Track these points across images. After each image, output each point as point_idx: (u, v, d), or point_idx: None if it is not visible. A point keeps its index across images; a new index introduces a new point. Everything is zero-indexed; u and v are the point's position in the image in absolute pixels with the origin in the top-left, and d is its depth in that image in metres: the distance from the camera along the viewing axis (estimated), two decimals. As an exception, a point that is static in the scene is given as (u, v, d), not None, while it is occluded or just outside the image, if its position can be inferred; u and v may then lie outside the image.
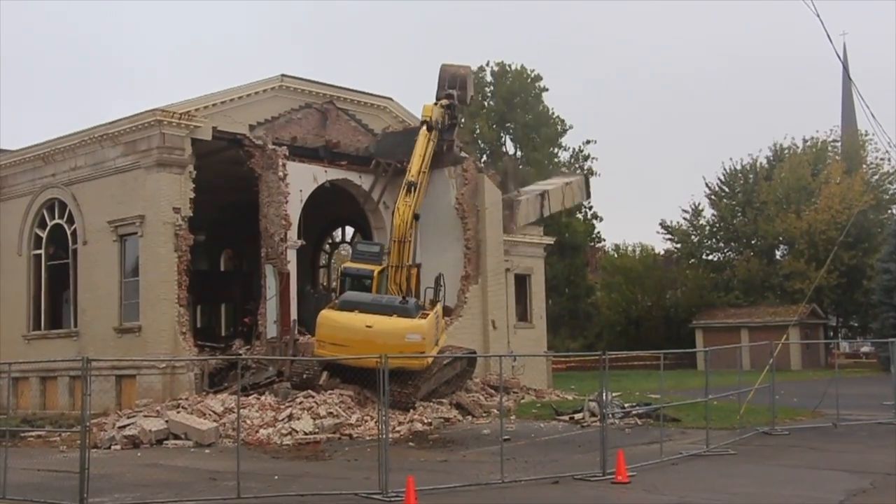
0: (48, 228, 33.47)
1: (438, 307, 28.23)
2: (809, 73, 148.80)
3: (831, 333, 68.31)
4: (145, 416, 24.00)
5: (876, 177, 67.97)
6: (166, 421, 23.07)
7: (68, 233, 32.48)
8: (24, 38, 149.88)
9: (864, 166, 68.43)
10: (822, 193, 64.36)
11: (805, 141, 71.53)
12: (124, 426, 23.16)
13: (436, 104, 31.51)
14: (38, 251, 33.89)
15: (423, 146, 29.70)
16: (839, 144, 72.66)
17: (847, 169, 65.84)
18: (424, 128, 30.18)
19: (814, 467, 17.57)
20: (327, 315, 25.70)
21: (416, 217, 28.65)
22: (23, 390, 32.23)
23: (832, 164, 67.84)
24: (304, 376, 25.87)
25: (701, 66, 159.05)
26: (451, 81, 32.38)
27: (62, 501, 14.13)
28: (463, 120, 62.64)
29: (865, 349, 70.72)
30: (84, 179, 31.61)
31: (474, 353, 29.66)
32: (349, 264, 29.68)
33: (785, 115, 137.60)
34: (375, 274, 28.30)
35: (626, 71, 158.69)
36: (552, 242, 42.43)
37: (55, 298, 33.97)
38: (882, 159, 67.43)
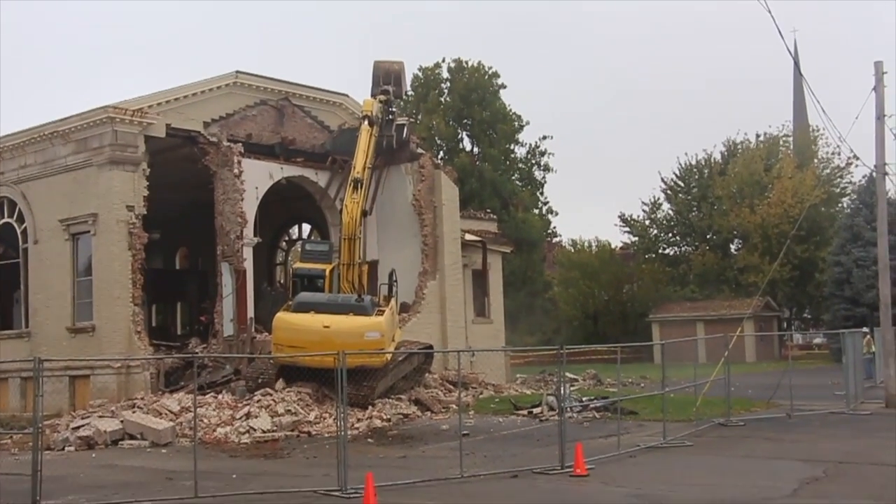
0: (-2, 227, 32.90)
1: (393, 303, 28.16)
2: (762, 69, 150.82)
3: (785, 325, 69.29)
4: (100, 417, 23.69)
5: (827, 171, 69.00)
6: (121, 421, 22.78)
7: (18, 231, 31.96)
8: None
9: (816, 161, 69.42)
10: (774, 188, 65.21)
11: (758, 136, 72.53)
12: (78, 427, 22.81)
13: (373, 98, 31.42)
14: (-13, 250, 33.31)
15: (366, 142, 29.58)
16: (791, 139, 73.67)
17: (799, 164, 66.75)
18: (366, 123, 30.03)
19: (768, 457, 17.79)
20: (283, 318, 25.33)
21: (364, 214, 28.50)
22: (1, 393, 31.64)
23: (784, 158, 68.75)
24: (259, 381, 25.60)
25: (657, 63, 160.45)
26: (386, 77, 32.31)
27: (14, 504, 13.89)
28: (419, 117, 62.76)
29: (818, 340, 71.89)
30: (34, 177, 31.12)
31: (431, 347, 29.70)
32: (299, 265, 29.42)
33: (739, 111, 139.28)
34: (327, 273, 28.13)
35: (582, 67, 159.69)
36: (508, 251, 42.68)
37: (5, 298, 33.42)
38: (832, 154, 68.54)
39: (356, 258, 27.55)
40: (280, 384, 25.33)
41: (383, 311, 26.12)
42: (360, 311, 25.16)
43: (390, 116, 31.95)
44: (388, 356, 25.14)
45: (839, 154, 66.57)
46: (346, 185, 32.44)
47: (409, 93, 65.57)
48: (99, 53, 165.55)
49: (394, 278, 29.45)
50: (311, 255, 29.42)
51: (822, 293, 61.68)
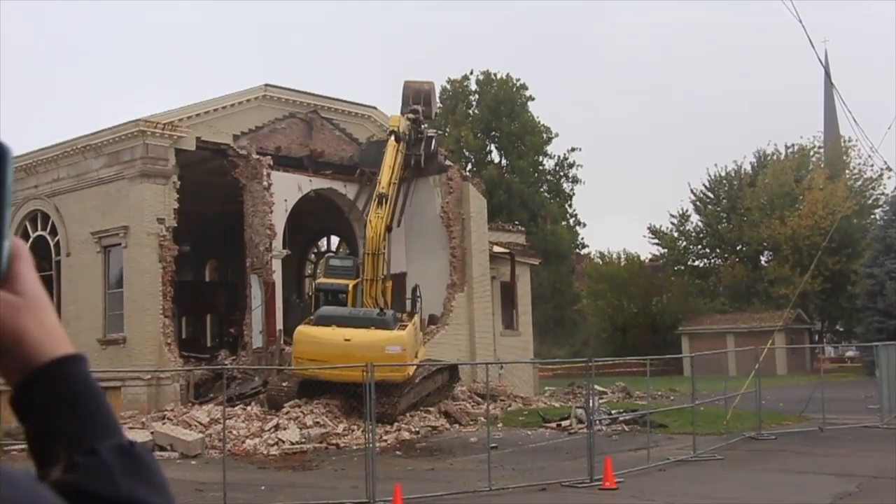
0: (31, 240, 33.21)
1: (416, 319, 27.98)
2: (793, 79, 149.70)
3: (816, 338, 68.52)
4: (130, 428, 23.80)
5: (859, 182, 68.35)
6: (152, 432, 22.90)
7: (51, 244, 32.30)
8: (3, 50, 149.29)
9: (847, 172, 68.80)
10: (805, 199, 64.67)
11: (788, 147, 72.01)
12: (109, 438, 22.95)
13: (402, 115, 31.51)
14: (21, 263, 33.62)
15: (392, 157, 29.63)
16: (822, 150, 73.06)
17: (830, 175, 66.19)
18: (392, 138, 30.13)
19: (800, 471, 17.59)
20: (304, 331, 25.20)
21: (388, 229, 28.51)
22: (6, 404, 31.90)
23: (815, 170, 68.19)
24: (281, 396, 25.33)
25: (686, 74, 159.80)
26: (416, 97, 32.43)
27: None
28: (448, 130, 62.87)
29: (850, 353, 70.95)
30: (67, 191, 31.46)
31: (455, 368, 29.25)
32: (322, 280, 29.46)
33: (769, 122, 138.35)
34: (350, 288, 28.06)
35: (611, 79, 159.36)
36: (537, 263, 42.58)
37: (39, 311, 33.67)
38: (864, 165, 67.88)
39: (380, 273, 27.47)
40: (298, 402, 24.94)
41: (406, 326, 26.04)
42: (382, 325, 24.94)
43: (420, 135, 32.03)
44: (410, 371, 24.96)
45: (871, 165, 65.91)
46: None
47: (439, 107, 65.85)
48: (129, 68, 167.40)
49: (417, 293, 29.34)
50: (335, 270, 29.48)
51: (855, 305, 61.02)
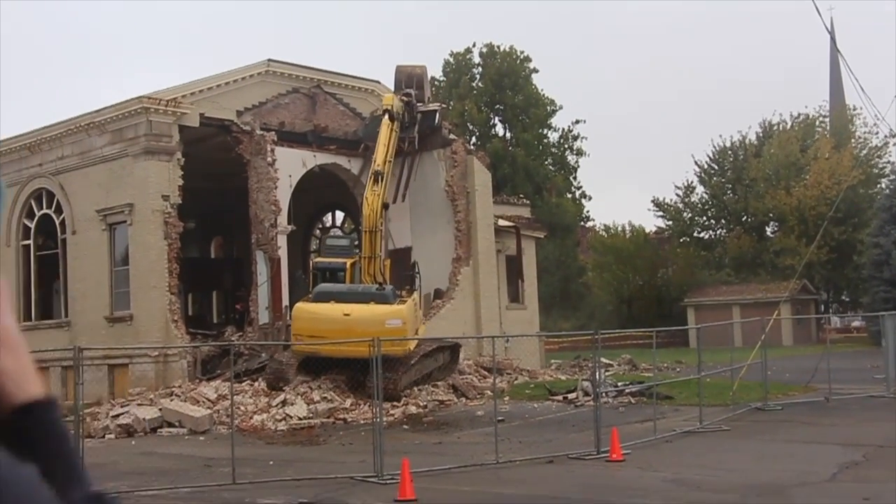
0: (36, 218, 33.31)
1: (416, 295, 27.88)
2: (798, 49, 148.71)
3: (822, 308, 68.51)
4: (139, 405, 23.98)
5: (864, 151, 68.05)
6: (160, 409, 23.05)
7: (56, 222, 32.34)
8: (6, 28, 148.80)
9: (853, 141, 68.51)
10: (811, 169, 64.45)
11: (794, 117, 71.68)
12: (118, 415, 23.13)
13: (396, 95, 31.45)
14: (26, 241, 33.73)
15: (386, 135, 29.61)
16: (828, 120, 72.70)
17: (836, 144, 65.91)
18: (386, 117, 30.08)
19: (807, 441, 17.64)
20: (303, 307, 24.98)
21: (385, 206, 28.49)
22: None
23: (821, 139, 67.88)
24: (277, 378, 24.88)
25: (690, 44, 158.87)
26: (408, 81, 32.40)
27: (57, 491, 14.08)
28: (451, 103, 62.58)
29: (856, 323, 70.97)
30: (71, 169, 31.45)
31: (457, 345, 28.99)
32: (319, 259, 29.41)
33: (774, 93, 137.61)
34: (348, 266, 28.02)
35: (614, 50, 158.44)
36: (542, 236, 42.43)
37: (45, 289, 33.84)
38: (870, 133, 67.58)
39: (378, 251, 27.40)
40: (299, 379, 24.82)
41: (405, 301, 25.93)
42: (382, 300, 24.75)
43: (412, 119, 32.01)
44: (411, 346, 24.85)
45: (877, 133, 65.65)
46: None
47: (442, 79, 65.56)
48: (131, 44, 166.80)
49: (416, 270, 29.27)
50: (333, 249, 29.47)
51: (861, 275, 60.97)
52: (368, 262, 27.32)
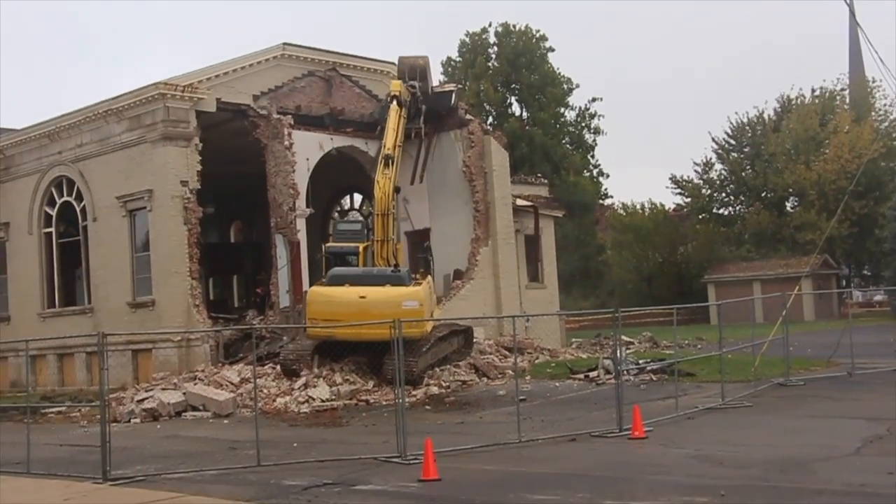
0: (57, 206, 33.57)
1: (430, 278, 27.71)
2: (817, 19, 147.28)
3: (844, 283, 68.12)
4: (163, 389, 24.19)
5: (885, 124, 67.42)
6: (184, 393, 23.25)
7: (77, 210, 32.58)
8: (23, 16, 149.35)
9: (873, 114, 67.85)
10: (831, 143, 63.92)
11: (813, 91, 71.03)
12: (143, 400, 23.36)
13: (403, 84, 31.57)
14: (48, 229, 34.02)
15: (395, 121, 29.71)
16: (847, 93, 72.00)
17: (856, 117, 65.29)
18: (395, 103, 30.14)
19: (830, 416, 17.60)
20: (317, 291, 24.63)
21: (397, 189, 28.48)
22: (41, 368, 32.51)
23: (840, 113, 67.26)
24: (293, 366, 24.51)
25: (706, 20, 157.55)
26: (411, 73, 32.47)
27: (86, 475, 14.28)
28: (467, 83, 62.39)
29: (878, 298, 70.55)
30: (91, 156, 31.65)
31: (470, 329, 28.37)
32: (331, 244, 29.37)
33: (793, 67, 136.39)
34: (361, 250, 27.96)
35: (631, 27, 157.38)
36: (561, 215, 42.23)
37: (68, 276, 34.13)
38: (891, 105, 66.94)
39: (390, 234, 27.34)
40: (316, 363, 24.62)
41: (420, 283, 25.80)
42: (397, 282, 24.44)
43: (418, 109, 32.14)
44: (428, 328, 24.67)
45: (897, 105, 64.99)
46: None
47: (458, 59, 65.35)
48: (147, 31, 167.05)
49: (430, 253, 29.21)
50: (344, 234, 29.50)
51: (883, 249, 60.55)
52: (381, 245, 27.30)
